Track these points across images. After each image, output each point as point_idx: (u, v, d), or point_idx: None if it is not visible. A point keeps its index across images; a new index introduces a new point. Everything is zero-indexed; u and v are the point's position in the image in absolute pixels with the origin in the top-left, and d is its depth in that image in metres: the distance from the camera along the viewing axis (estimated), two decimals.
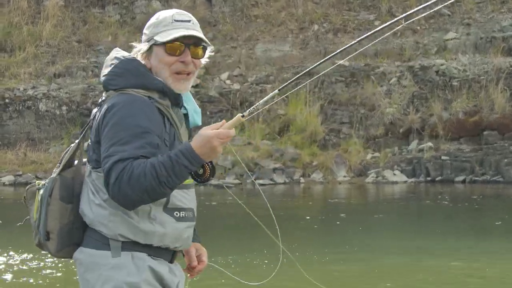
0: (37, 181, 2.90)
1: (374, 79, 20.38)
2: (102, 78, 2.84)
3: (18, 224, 3.22)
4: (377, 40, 2.95)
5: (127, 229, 2.74)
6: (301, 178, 18.51)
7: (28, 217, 2.90)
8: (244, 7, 23.63)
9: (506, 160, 17.78)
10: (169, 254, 2.86)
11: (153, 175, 2.54)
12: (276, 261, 3.15)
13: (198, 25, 2.92)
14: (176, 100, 2.83)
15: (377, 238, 10.56)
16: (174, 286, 2.84)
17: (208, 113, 20.31)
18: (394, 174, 18.39)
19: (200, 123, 2.96)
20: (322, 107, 20.31)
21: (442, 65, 20.21)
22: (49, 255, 2.90)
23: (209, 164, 2.67)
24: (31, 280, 7.91)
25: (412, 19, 2.86)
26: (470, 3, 22.60)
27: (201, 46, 2.85)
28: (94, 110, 2.82)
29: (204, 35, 2.91)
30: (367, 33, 2.49)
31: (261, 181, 18.10)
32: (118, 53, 2.88)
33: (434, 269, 8.41)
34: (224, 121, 2.64)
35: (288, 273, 3.45)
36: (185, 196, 2.83)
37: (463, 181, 17.72)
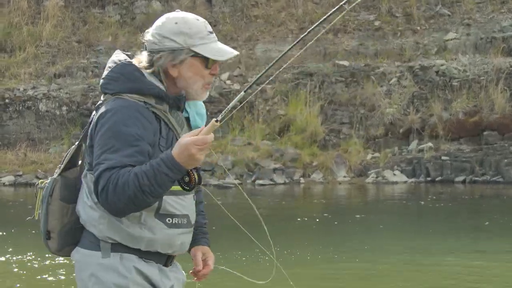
0: (40, 180, 2.93)
1: (374, 79, 20.38)
2: (100, 81, 2.85)
3: (27, 219, 3.25)
4: (322, 32, 2.98)
5: (115, 232, 2.76)
6: (301, 178, 18.51)
7: (38, 211, 2.93)
8: (244, 7, 23.63)
9: (506, 160, 17.78)
10: (162, 258, 2.86)
11: (135, 184, 2.54)
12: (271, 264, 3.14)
13: None
14: (177, 104, 2.83)
15: (377, 238, 10.56)
16: None
17: (208, 113, 20.15)
18: (394, 174, 18.39)
19: (203, 125, 2.96)
20: (322, 107, 20.31)
21: (442, 65, 20.21)
22: (51, 255, 2.93)
23: (193, 171, 2.64)
24: (31, 280, 7.92)
25: (355, 2, 2.85)
26: (470, 3, 22.61)
27: None
28: (93, 113, 2.84)
29: None
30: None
31: (261, 181, 18.11)
32: (117, 56, 2.87)
33: (434, 269, 8.41)
34: (203, 126, 2.63)
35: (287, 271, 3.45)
36: (180, 203, 2.82)
37: (463, 181, 17.72)
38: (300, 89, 20.64)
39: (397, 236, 10.86)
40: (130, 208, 2.60)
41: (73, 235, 2.86)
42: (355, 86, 20.52)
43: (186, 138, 2.57)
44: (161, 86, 2.81)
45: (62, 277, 7.88)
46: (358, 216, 13.09)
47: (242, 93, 2.73)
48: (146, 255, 2.80)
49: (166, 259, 2.88)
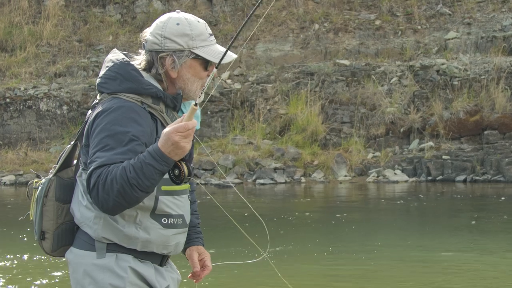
0: (35, 180, 2.92)
1: (375, 78, 20.38)
2: (97, 80, 2.85)
3: (20, 218, 3.24)
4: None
5: (111, 232, 2.76)
6: (302, 177, 18.51)
7: (29, 212, 2.92)
8: (244, 6, 23.63)
9: (507, 159, 17.78)
10: (157, 258, 2.86)
11: (123, 178, 2.53)
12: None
13: None
14: (173, 104, 2.83)
15: (378, 237, 10.56)
16: None
17: (209, 112, 20.31)
18: (395, 174, 18.39)
19: (198, 127, 2.94)
20: (323, 106, 20.31)
21: (443, 64, 20.20)
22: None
23: (183, 163, 2.63)
24: (30, 279, 7.92)
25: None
26: (471, 3, 22.60)
27: None
28: (89, 112, 2.84)
29: None
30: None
31: (262, 181, 18.11)
32: (114, 55, 2.86)
33: (435, 268, 8.41)
34: (184, 115, 2.60)
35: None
36: (176, 203, 2.83)
37: (464, 181, 17.72)
38: (301, 88, 20.63)
39: (398, 235, 10.86)
40: (121, 204, 2.57)
41: (68, 236, 2.86)
42: (356, 85, 20.51)
43: (168, 127, 2.56)
44: (159, 86, 2.81)
45: (63, 277, 7.89)
46: (358, 215, 13.09)
47: (215, 70, 2.71)
48: (142, 255, 2.80)
49: (161, 259, 2.88)
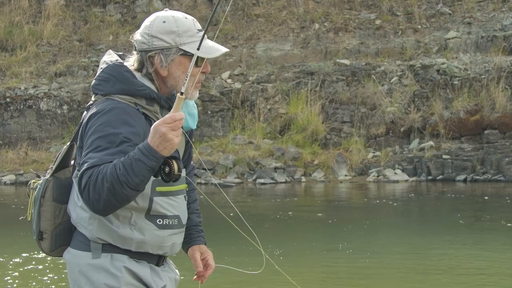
0: (32, 181, 2.93)
1: (375, 78, 20.38)
2: (92, 82, 2.85)
3: (20, 218, 3.25)
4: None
5: (105, 233, 2.77)
6: (302, 177, 18.52)
7: (28, 212, 2.94)
8: (245, 6, 23.63)
9: (507, 159, 17.78)
10: (153, 258, 2.86)
11: (113, 176, 2.52)
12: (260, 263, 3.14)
13: None
14: (168, 104, 2.81)
15: (378, 237, 10.56)
16: None
17: (209, 112, 20.32)
18: (395, 173, 18.39)
19: (194, 127, 2.94)
20: (323, 106, 20.31)
21: (443, 64, 20.20)
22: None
23: (173, 160, 2.62)
24: (30, 280, 7.92)
25: None
26: (471, 2, 22.60)
27: None
28: (84, 113, 2.84)
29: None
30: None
31: (262, 180, 18.11)
32: (108, 57, 2.87)
33: (435, 268, 8.41)
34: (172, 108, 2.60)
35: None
36: (171, 203, 2.82)
37: (464, 180, 17.72)
38: (301, 88, 20.64)
39: (398, 234, 10.87)
40: (111, 203, 2.56)
41: (66, 236, 2.87)
42: (356, 85, 20.51)
43: (156, 122, 2.56)
44: (152, 87, 2.81)
45: (63, 277, 7.90)
46: (358, 214, 13.09)
47: (196, 53, 2.69)
48: (137, 255, 2.81)
49: (157, 259, 2.88)
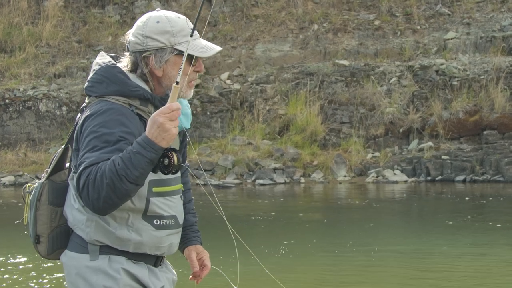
0: (28, 185, 2.92)
1: (374, 78, 20.38)
2: (85, 84, 2.85)
3: (16, 222, 3.26)
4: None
5: (103, 235, 2.77)
6: (302, 178, 18.51)
7: (23, 216, 2.93)
8: (244, 7, 23.63)
9: (506, 159, 17.78)
10: (151, 259, 2.86)
11: (112, 171, 2.51)
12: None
13: None
14: (162, 104, 2.79)
15: (377, 238, 10.56)
16: None
17: (208, 113, 20.31)
18: (395, 174, 18.39)
19: (188, 126, 2.93)
20: (322, 106, 20.32)
21: (442, 64, 20.21)
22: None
23: (172, 152, 2.62)
24: (30, 283, 7.92)
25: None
26: (470, 3, 22.61)
27: None
28: (78, 116, 2.84)
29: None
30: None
31: (261, 181, 18.11)
32: (100, 58, 2.87)
33: (434, 269, 8.41)
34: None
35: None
36: (167, 204, 2.82)
37: (464, 181, 17.72)
38: (300, 88, 20.64)
39: (397, 235, 10.87)
40: (111, 200, 2.55)
41: (62, 239, 2.87)
42: (355, 86, 20.52)
43: (154, 113, 2.57)
44: (146, 88, 2.81)
45: (62, 279, 7.90)
46: (357, 215, 13.09)
47: (189, 40, 2.69)
48: (135, 256, 2.81)
49: (155, 260, 2.88)
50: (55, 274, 8.11)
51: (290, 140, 19.71)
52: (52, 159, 2.91)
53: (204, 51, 2.78)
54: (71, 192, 2.82)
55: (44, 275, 8.16)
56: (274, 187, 17.77)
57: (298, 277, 7.99)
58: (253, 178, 18.32)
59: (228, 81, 21.45)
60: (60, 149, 2.93)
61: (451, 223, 12.02)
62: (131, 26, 2.85)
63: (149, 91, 2.82)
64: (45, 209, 2.84)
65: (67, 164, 2.92)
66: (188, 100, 2.93)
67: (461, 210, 13.54)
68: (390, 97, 20.01)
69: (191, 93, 2.86)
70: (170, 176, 2.73)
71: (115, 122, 2.66)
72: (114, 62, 2.84)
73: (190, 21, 2.84)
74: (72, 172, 2.80)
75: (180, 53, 2.77)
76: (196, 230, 3.13)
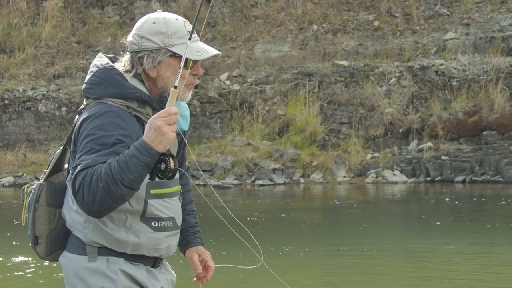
0: (26, 186, 2.92)
1: (374, 79, 20.39)
2: (83, 86, 2.84)
3: (15, 223, 3.26)
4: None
5: (101, 236, 2.76)
6: (301, 178, 18.51)
7: (23, 217, 2.93)
8: (243, 7, 23.63)
9: (505, 160, 17.78)
10: (149, 260, 2.85)
11: (107, 174, 2.50)
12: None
13: None
14: (160, 106, 2.79)
15: (377, 238, 10.56)
16: None
17: (207, 113, 20.30)
18: (394, 174, 18.39)
19: (186, 128, 2.92)
20: (322, 107, 20.32)
21: (441, 65, 20.21)
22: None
23: (169, 157, 2.60)
24: (28, 284, 7.91)
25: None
26: (469, 3, 22.62)
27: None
28: (76, 118, 2.83)
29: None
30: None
31: (261, 182, 18.11)
32: (99, 60, 2.86)
33: (434, 269, 8.41)
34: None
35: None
36: (166, 205, 2.82)
37: (463, 181, 17.72)
38: (300, 89, 20.64)
39: (397, 236, 10.87)
40: (106, 203, 2.53)
41: (61, 240, 2.86)
42: (355, 86, 20.52)
43: (151, 117, 2.56)
44: (143, 89, 2.80)
45: (61, 280, 7.88)
46: (357, 216, 13.09)
47: (187, 42, 2.68)
48: (133, 258, 2.80)
49: (154, 261, 2.88)
50: (54, 275, 8.11)
51: (290, 140, 19.71)
52: (51, 161, 2.91)
53: (199, 54, 2.76)
54: (69, 194, 2.81)
55: (44, 275, 8.15)
56: (274, 187, 17.77)
57: (298, 277, 7.98)
58: (253, 178, 18.32)
59: (228, 82, 21.46)
60: (59, 150, 2.92)
61: (450, 223, 12.02)
62: (130, 27, 2.84)
63: (147, 92, 2.81)
64: (44, 210, 2.83)
65: (66, 166, 2.92)
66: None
67: (461, 210, 13.54)
68: (390, 97, 20.01)
69: (189, 95, 2.85)
70: None
71: (112, 125, 2.65)
72: (112, 64, 2.83)
73: (190, 24, 2.83)
74: (70, 173, 2.79)
75: (174, 54, 2.75)
76: (197, 231, 3.12)
